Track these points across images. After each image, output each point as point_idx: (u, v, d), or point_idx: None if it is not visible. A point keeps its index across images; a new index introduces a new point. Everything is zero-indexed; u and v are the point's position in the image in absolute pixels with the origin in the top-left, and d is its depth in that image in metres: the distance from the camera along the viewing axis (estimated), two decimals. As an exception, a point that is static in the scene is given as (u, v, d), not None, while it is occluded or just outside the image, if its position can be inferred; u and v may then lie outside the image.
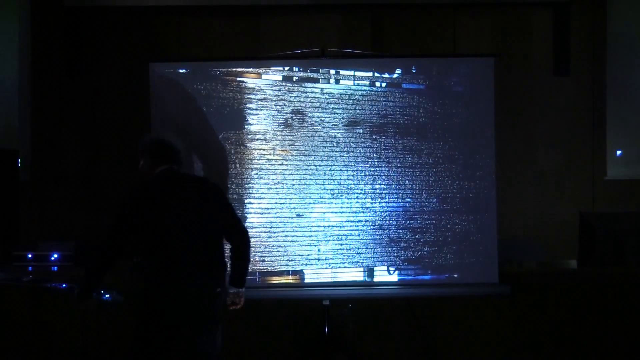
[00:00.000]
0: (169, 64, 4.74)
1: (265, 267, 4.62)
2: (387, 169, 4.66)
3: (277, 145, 4.65)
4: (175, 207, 3.42)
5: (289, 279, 4.63)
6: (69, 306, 4.36)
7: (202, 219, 3.44)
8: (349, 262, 4.64)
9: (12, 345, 4.44)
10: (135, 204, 3.43)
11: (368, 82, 4.67)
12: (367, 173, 4.65)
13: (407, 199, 4.66)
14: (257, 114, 4.65)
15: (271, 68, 4.67)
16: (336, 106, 4.66)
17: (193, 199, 3.46)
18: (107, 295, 3.69)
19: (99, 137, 5.82)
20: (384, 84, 4.68)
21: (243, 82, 4.66)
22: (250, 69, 4.66)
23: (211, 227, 3.47)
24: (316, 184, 4.64)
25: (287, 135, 4.65)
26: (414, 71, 4.69)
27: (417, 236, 4.65)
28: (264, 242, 4.62)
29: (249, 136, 4.65)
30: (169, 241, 3.38)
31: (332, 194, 4.64)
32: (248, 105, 4.65)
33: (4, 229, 4.95)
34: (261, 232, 4.62)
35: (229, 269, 3.64)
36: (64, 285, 4.35)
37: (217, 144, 4.64)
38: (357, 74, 4.66)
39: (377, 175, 4.66)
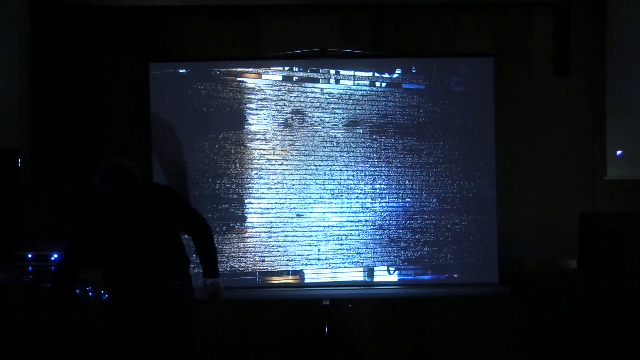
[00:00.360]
0: (169, 64, 4.75)
1: (265, 267, 4.62)
2: (387, 169, 4.66)
3: (277, 145, 4.65)
4: (123, 215, 3.56)
5: (289, 279, 4.64)
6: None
7: (152, 221, 3.56)
8: (349, 262, 4.64)
9: (11, 346, 4.44)
10: (87, 221, 3.62)
11: (368, 82, 4.67)
12: (367, 173, 4.66)
13: (407, 199, 4.66)
14: (257, 114, 4.65)
15: (271, 68, 4.68)
16: (336, 106, 4.66)
17: (141, 204, 3.60)
18: (106, 296, 3.70)
19: (99, 137, 5.81)
20: (384, 84, 4.68)
21: (243, 82, 4.67)
22: (250, 69, 4.67)
23: (164, 226, 3.58)
24: (316, 184, 4.65)
25: (287, 135, 4.65)
26: (414, 71, 4.70)
27: (417, 236, 4.65)
28: (264, 242, 4.63)
29: (249, 136, 4.65)
30: (122, 245, 3.52)
31: (332, 194, 4.65)
32: (248, 105, 4.66)
33: (4, 229, 4.94)
34: (261, 232, 4.62)
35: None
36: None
37: (217, 144, 4.64)
38: (357, 74, 4.67)
39: (377, 175, 4.66)
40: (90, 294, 4.31)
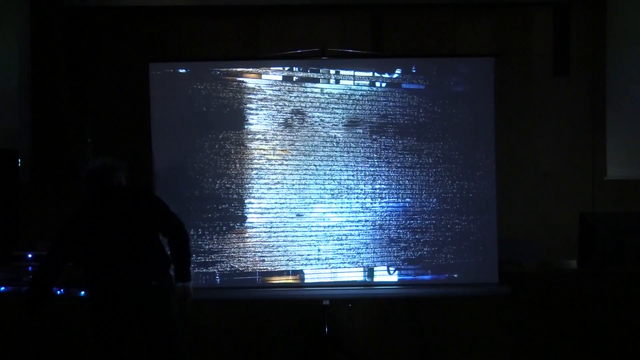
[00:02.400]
0: (169, 64, 4.74)
1: (265, 267, 4.62)
2: (387, 169, 4.66)
3: (277, 145, 4.65)
4: (104, 220, 3.66)
5: (289, 279, 4.63)
6: (63, 309, 4.39)
7: (131, 225, 3.66)
8: (349, 262, 4.64)
9: (10, 349, 4.43)
10: (69, 227, 3.71)
11: (368, 82, 4.67)
12: (367, 173, 4.65)
13: (407, 199, 4.66)
14: (257, 114, 4.65)
15: (271, 68, 4.67)
16: (336, 106, 4.66)
17: (121, 209, 3.69)
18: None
19: (98, 137, 5.82)
20: (384, 84, 4.68)
21: (243, 82, 4.66)
22: (250, 69, 4.66)
23: (143, 229, 3.68)
24: (316, 184, 4.64)
25: (287, 135, 4.65)
26: (414, 71, 4.69)
27: (417, 236, 4.65)
28: (264, 242, 4.62)
29: (249, 136, 4.65)
30: (102, 249, 3.62)
31: (332, 194, 4.64)
32: (248, 105, 4.65)
33: (4, 229, 4.94)
34: (261, 232, 4.62)
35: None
36: (61, 290, 4.38)
37: (217, 144, 4.64)
38: (357, 74, 4.66)
39: (377, 175, 4.66)
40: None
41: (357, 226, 4.64)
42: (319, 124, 4.65)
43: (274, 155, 4.65)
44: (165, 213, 3.78)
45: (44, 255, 3.76)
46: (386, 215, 4.65)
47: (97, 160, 3.82)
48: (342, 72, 4.67)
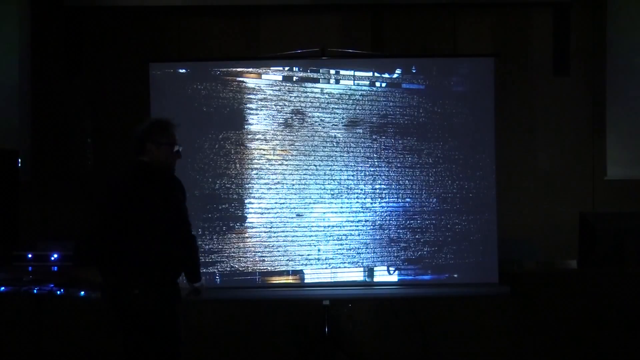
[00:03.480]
0: (169, 64, 4.75)
1: (265, 267, 4.62)
2: (387, 169, 4.66)
3: (277, 145, 4.65)
4: (128, 206, 3.39)
5: (289, 279, 4.63)
6: (66, 310, 4.40)
7: (153, 219, 3.37)
8: (349, 262, 4.64)
9: (10, 350, 4.44)
10: (106, 198, 3.48)
11: (368, 82, 4.67)
12: (367, 173, 4.66)
13: (407, 199, 4.66)
14: (257, 114, 4.65)
15: (271, 68, 4.68)
16: (336, 106, 4.66)
17: (148, 198, 3.39)
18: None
19: (99, 137, 5.82)
20: (384, 84, 4.68)
21: (243, 82, 4.67)
22: (250, 69, 4.67)
23: (162, 224, 3.38)
24: (316, 184, 4.64)
25: (287, 135, 4.65)
26: (414, 71, 4.70)
27: (417, 236, 4.65)
28: (264, 242, 4.63)
29: (249, 136, 4.65)
30: (119, 238, 3.38)
31: (332, 194, 4.65)
32: (248, 105, 4.66)
33: (4, 229, 4.94)
34: (261, 232, 4.62)
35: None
36: (61, 290, 4.38)
37: (217, 144, 4.64)
38: (357, 74, 4.67)
39: (377, 175, 4.66)
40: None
41: (357, 226, 4.64)
42: (319, 124, 4.66)
43: (274, 155, 4.65)
44: (182, 217, 3.43)
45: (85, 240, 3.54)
46: (386, 215, 4.65)
47: (139, 130, 3.48)
48: (342, 72, 4.67)
